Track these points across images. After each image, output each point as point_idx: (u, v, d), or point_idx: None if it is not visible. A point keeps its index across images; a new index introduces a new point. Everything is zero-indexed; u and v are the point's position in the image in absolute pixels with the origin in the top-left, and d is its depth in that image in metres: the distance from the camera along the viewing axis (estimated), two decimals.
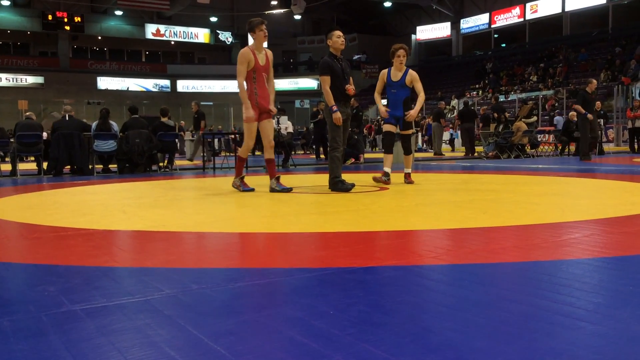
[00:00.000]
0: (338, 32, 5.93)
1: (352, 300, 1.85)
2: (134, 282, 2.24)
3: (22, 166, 11.18)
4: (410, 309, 1.77)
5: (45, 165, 10.10)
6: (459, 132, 25.98)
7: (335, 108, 5.74)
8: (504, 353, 1.37)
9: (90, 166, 10.27)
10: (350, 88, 5.92)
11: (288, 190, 5.83)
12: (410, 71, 6.54)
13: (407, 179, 6.67)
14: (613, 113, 21.44)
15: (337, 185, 5.74)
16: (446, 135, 26.67)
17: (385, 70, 6.66)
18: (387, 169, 6.62)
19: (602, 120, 16.31)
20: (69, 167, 10.31)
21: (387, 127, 6.79)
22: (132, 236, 3.43)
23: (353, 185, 5.75)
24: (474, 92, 32.48)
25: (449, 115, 30.44)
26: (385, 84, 6.65)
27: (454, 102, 31.69)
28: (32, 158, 11.27)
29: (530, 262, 2.41)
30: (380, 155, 16.14)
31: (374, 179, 6.58)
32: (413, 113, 6.51)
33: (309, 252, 2.81)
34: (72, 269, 2.45)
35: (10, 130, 13.78)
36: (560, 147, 15.96)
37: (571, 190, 5.78)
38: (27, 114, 10.96)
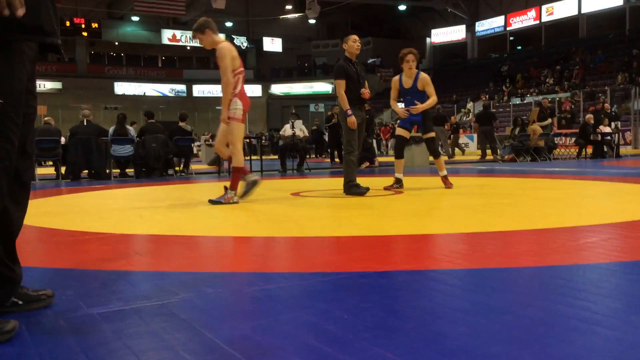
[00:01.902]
0: (354, 37, 5.93)
1: (367, 304, 1.85)
2: (150, 286, 2.26)
3: (40, 171, 11.33)
4: (424, 314, 1.76)
5: (63, 169, 10.23)
6: (474, 135, 25.82)
7: (350, 112, 5.73)
8: (518, 358, 1.36)
9: (107, 171, 10.37)
10: (366, 92, 5.89)
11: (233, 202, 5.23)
12: (421, 75, 6.36)
13: (447, 184, 6.34)
14: (630, 115, 21.19)
15: (352, 189, 5.73)
16: (462, 139, 26.53)
17: (397, 78, 6.49)
18: (398, 175, 6.47)
19: (618, 122, 16.11)
20: (86, 171, 10.43)
21: (399, 132, 6.60)
22: (149, 240, 3.46)
23: (368, 189, 5.73)
24: (487, 95, 32.27)
25: (464, 119, 30.30)
26: (398, 91, 6.47)
27: (470, 105, 31.54)
28: (50, 163, 11.42)
29: (546, 266, 2.39)
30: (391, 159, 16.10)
31: (385, 188, 6.35)
32: (419, 107, 6.25)
33: (323, 257, 2.82)
34: (89, 273, 2.48)
35: None
36: (577, 150, 15.80)
37: (588, 193, 5.72)
38: (46, 119, 11.03)
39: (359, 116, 5.83)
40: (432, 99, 6.33)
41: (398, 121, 7.18)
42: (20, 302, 1.86)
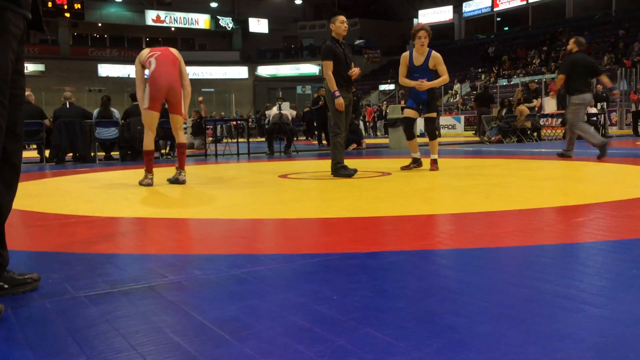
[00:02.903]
0: (342, 17, 5.86)
1: (356, 285, 1.85)
2: (138, 268, 2.24)
3: (24, 154, 11.17)
4: (413, 294, 1.77)
5: (47, 153, 10.11)
6: (461, 117, 25.88)
7: (337, 94, 5.69)
8: (507, 336, 1.37)
9: (92, 154, 10.27)
10: (356, 70, 5.86)
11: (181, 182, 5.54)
12: (434, 53, 6.17)
13: (433, 166, 6.28)
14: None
15: (340, 171, 5.73)
16: (449, 120, 26.61)
17: (407, 53, 6.29)
18: (415, 155, 6.44)
19: (604, 103, 16.22)
20: (71, 154, 10.32)
21: (407, 112, 6.49)
22: (135, 223, 3.44)
23: (355, 170, 5.73)
24: (478, 77, 32.33)
25: (451, 100, 30.35)
26: (407, 68, 6.27)
27: (457, 86, 31.56)
28: (34, 146, 11.26)
29: (533, 246, 2.41)
30: (382, 140, 16.10)
31: (402, 168, 6.37)
32: (427, 83, 6.11)
33: (311, 238, 2.81)
34: (75, 256, 2.46)
35: None
36: (563, 131, 15.90)
37: (574, 173, 5.77)
38: (26, 94, 10.67)
39: (346, 98, 5.80)
40: (443, 78, 6.20)
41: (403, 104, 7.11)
42: (6, 286, 1.84)
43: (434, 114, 6.44)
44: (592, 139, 7.43)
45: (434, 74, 6.18)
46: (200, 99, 15.99)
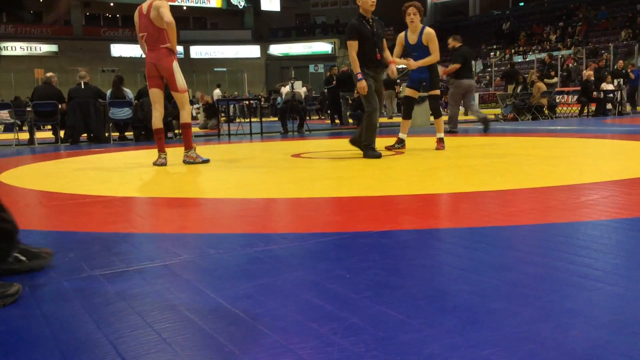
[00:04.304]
0: None
1: (368, 264, 1.86)
2: (153, 247, 2.27)
3: (39, 135, 11.29)
4: (425, 272, 1.77)
5: (62, 133, 10.18)
6: (476, 94, 25.56)
7: (360, 76, 5.34)
8: (520, 314, 1.37)
9: (106, 134, 10.33)
10: (392, 68, 5.67)
11: (206, 161, 5.52)
12: (427, 30, 6.09)
13: (439, 145, 6.17)
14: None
15: (368, 152, 5.46)
16: None
17: (402, 34, 6.25)
18: (402, 135, 6.36)
19: (622, 79, 15.95)
20: (85, 135, 10.38)
21: (407, 92, 6.45)
22: (150, 203, 3.46)
23: (380, 154, 5.50)
24: (492, 53, 31.90)
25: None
26: (403, 47, 6.23)
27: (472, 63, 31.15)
28: (49, 127, 11.34)
29: (547, 224, 2.40)
30: (395, 119, 16.01)
31: (387, 147, 6.24)
32: (414, 62, 6.04)
33: (324, 217, 2.82)
34: (91, 235, 2.49)
35: (28, 97, 13.75)
36: (579, 108, 15.70)
37: (589, 151, 5.70)
38: (48, 75, 10.39)
39: (374, 78, 5.45)
40: (434, 56, 6.07)
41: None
42: (24, 258, 1.87)
43: (438, 92, 6.35)
44: (478, 114, 9.47)
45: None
46: (200, 94, 16.30)
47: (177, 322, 1.41)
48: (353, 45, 5.39)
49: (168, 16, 5.20)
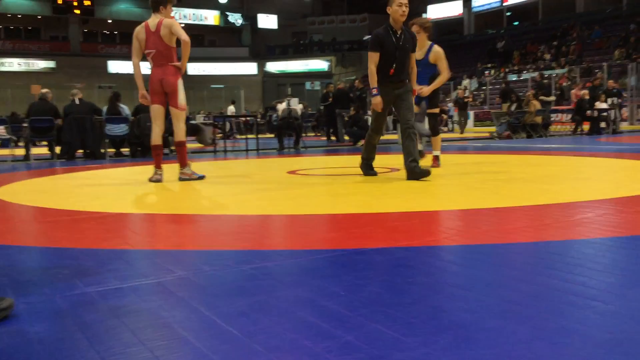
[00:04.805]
0: (399, 0, 4.91)
1: (363, 281, 1.86)
2: (147, 264, 2.26)
3: (35, 150, 11.27)
4: (421, 290, 1.77)
5: (58, 149, 10.17)
6: (471, 112, 25.68)
7: (375, 91, 4.96)
8: (515, 332, 1.37)
9: (102, 150, 10.32)
10: (424, 90, 5.60)
11: (202, 177, 5.49)
12: (435, 47, 5.98)
13: (434, 163, 6.07)
14: (627, 91, 21.14)
15: (364, 169, 5.40)
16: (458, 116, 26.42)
17: None
18: (436, 152, 6.19)
19: (615, 98, 16.09)
20: (81, 151, 10.37)
21: (415, 109, 6.22)
22: (145, 219, 3.46)
23: (376, 173, 5.46)
24: (487, 72, 32.13)
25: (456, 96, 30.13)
26: None
27: (466, 82, 31.39)
28: (45, 142, 11.32)
29: (542, 242, 2.40)
30: (391, 136, 16.07)
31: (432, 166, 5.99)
32: (427, 89, 5.92)
33: (320, 234, 2.82)
34: (85, 252, 2.48)
35: (24, 113, 13.76)
36: (573, 127, 15.79)
37: (584, 169, 5.73)
38: (44, 91, 10.37)
39: (388, 94, 5.04)
40: (444, 76, 6.00)
41: None
42: None
43: (437, 110, 6.33)
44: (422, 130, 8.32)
45: (436, 68, 6.03)
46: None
47: (171, 340, 1.40)
48: (373, 57, 4.96)
49: (184, 36, 5.27)
